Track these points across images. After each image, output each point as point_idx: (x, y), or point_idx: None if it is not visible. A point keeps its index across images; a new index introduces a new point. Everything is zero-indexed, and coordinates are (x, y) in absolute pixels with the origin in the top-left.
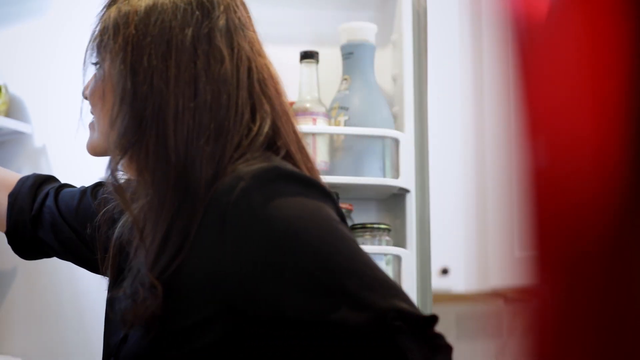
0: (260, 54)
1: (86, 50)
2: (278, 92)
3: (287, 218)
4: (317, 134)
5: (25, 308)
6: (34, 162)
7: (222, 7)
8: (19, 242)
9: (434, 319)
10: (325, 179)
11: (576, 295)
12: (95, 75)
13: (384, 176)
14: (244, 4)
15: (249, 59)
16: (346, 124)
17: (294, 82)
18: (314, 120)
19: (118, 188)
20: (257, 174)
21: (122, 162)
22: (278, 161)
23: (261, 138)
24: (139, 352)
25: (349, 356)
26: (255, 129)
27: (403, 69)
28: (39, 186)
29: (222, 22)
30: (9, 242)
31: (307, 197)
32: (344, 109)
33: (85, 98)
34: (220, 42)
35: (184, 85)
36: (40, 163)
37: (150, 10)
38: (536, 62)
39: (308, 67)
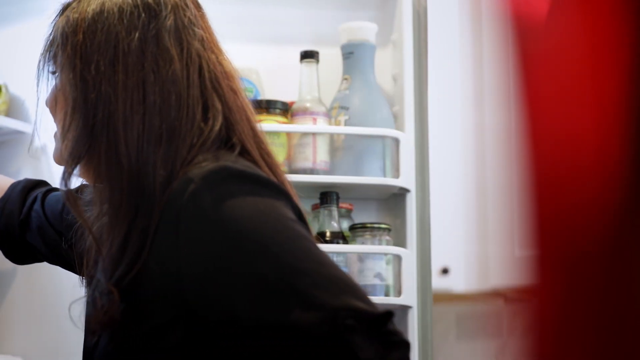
0: (213, 51)
1: (39, 61)
2: (233, 89)
3: (238, 219)
4: (317, 134)
5: (25, 308)
6: (34, 162)
7: (169, 7)
8: (9, 246)
9: (388, 315)
10: (326, 178)
11: (576, 295)
12: (54, 84)
13: (384, 176)
14: (195, 3)
15: (199, 57)
16: (346, 123)
17: (294, 82)
18: (314, 120)
19: (71, 198)
20: (206, 175)
21: (79, 170)
22: (231, 160)
23: (213, 136)
24: (106, 357)
25: (298, 357)
26: (207, 128)
27: (403, 68)
28: (29, 190)
29: (169, 22)
30: (0, 247)
31: (259, 195)
32: (344, 108)
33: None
34: (169, 43)
35: (132, 89)
36: (40, 163)
37: (97, 16)
38: (536, 61)
39: (308, 66)
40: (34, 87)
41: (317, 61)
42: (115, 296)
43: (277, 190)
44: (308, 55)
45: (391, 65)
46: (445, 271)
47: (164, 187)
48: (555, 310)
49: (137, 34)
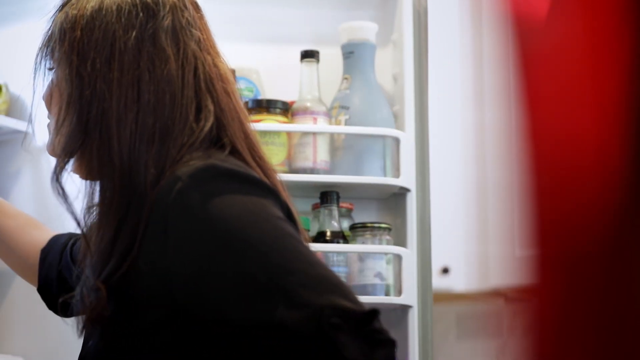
0: (209, 52)
1: (36, 55)
2: (227, 92)
3: (226, 217)
4: (317, 134)
5: (25, 308)
6: (34, 162)
7: (167, 8)
8: (49, 299)
9: (374, 313)
10: (326, 178)
11: (576, 295)
12: (51, 79)
13: (385, 175)
14: (194, 4)
15: (195, 58)
16: (347, 123)
17: (295, 82)
18: (315, 119)
19: (61, 191)
20: (194, 173)
21: (72, 165)
22: (220, 159)
23: (202, 136)
24: (97, 355)
25: (284, 355)
26: (198, 128)
27: (404, 68)
28: (69, 242)
29: (167, 22)
30: (43, 299)
31: (247, 194)
32: (344, 108)
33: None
34: (165, 43)
35: (127, 87)
36: (40, 163)
37: (95, 14)
38: (536, 61)
39: (309, 66)
40: (31, 82)
41: (318, 61)
42: (102, 293)
43: (266, 188)
44: (308, 55)
45: (391, 65)
46: (445, 271)
47: (153, 185)
48: (556, 310)
49: (134, 33)
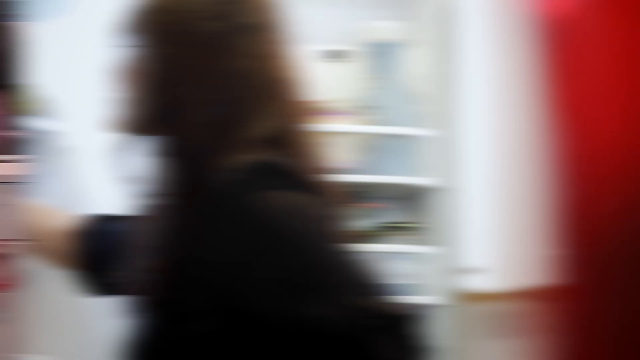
0: (283, 57)
1: (123, 28)
2: (296, 96)
3: (270, 212)
4: (344, 133)
5: (54, 307)
6: (60, 161)
7: (251, 6)
8: (93, 283)
9: (409, 318)
10: (354, 178)
11: (608, 295)
12: (133, 55)
13: (413, 175)
14: (277, 8)
15: (269, 59)
16: (374, 123)
17: (320, 81)
18: (341, 119)
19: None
20: (247, 167)
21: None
22: (272, 156)
23: (261, 134)
24: (145, 339)
25: (314, 352)
26: (258, 127)
27: (432, 67)
28: (103, 228)
29: (249, 20)
30: (85, 284)
31: (294, 191)
32: (371, 108)
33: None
34: (250, 41)
35: (202, 77)
36: (67, 162)
37: (187, 0)
38: (569, 61)
39: (335, 66)
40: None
41: (344, 60)
42: (153, 275)
43: (312, 187)
44: (334, 55)
45: (420, 65)
46: (475, 270)
47: (210, 176)
48: (587, 310)
49: (217, 25)
